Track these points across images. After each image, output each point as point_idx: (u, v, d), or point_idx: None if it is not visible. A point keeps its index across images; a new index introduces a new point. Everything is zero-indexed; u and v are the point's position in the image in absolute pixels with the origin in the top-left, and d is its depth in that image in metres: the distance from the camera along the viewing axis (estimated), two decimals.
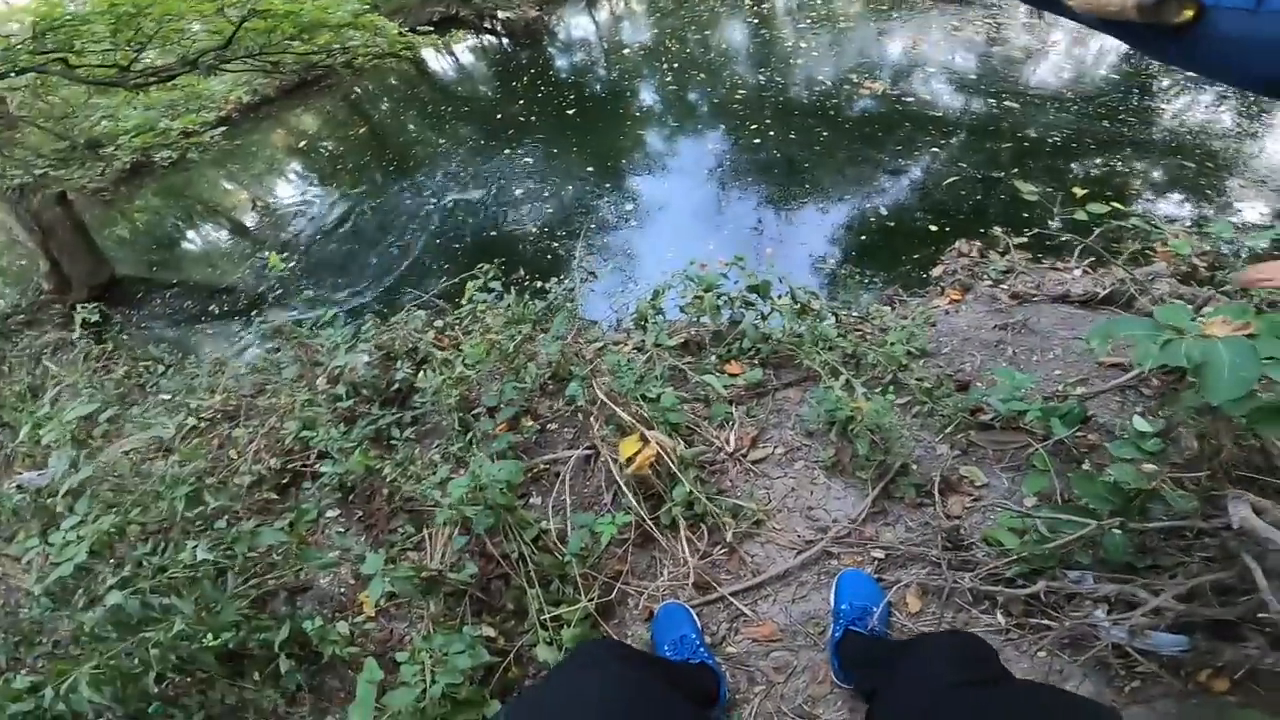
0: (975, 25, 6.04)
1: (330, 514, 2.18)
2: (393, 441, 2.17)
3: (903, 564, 1.67)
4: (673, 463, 1.83)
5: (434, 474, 1.84)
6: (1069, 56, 5.41)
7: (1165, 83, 4.52)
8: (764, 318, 2.47)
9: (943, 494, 1.82)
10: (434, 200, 4.91)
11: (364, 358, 2.29)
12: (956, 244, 2.95)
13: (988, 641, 1.18)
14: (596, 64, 7.02)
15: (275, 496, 2.25)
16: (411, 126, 6.69)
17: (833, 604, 1.59)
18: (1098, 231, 2.44)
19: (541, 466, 2.08)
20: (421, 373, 2.32)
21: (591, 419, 2.01)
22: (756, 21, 7.05)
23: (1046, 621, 1.46)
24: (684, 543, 1.77)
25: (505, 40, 8.47)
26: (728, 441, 2.08)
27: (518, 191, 4.74)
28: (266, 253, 4.59)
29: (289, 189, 6.46)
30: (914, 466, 1.89)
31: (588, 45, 7.67)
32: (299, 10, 4.21)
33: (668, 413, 2.01)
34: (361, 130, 7.24)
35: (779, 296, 2.50)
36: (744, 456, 2.05)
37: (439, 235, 4.44)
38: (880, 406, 1.90)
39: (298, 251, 5.01)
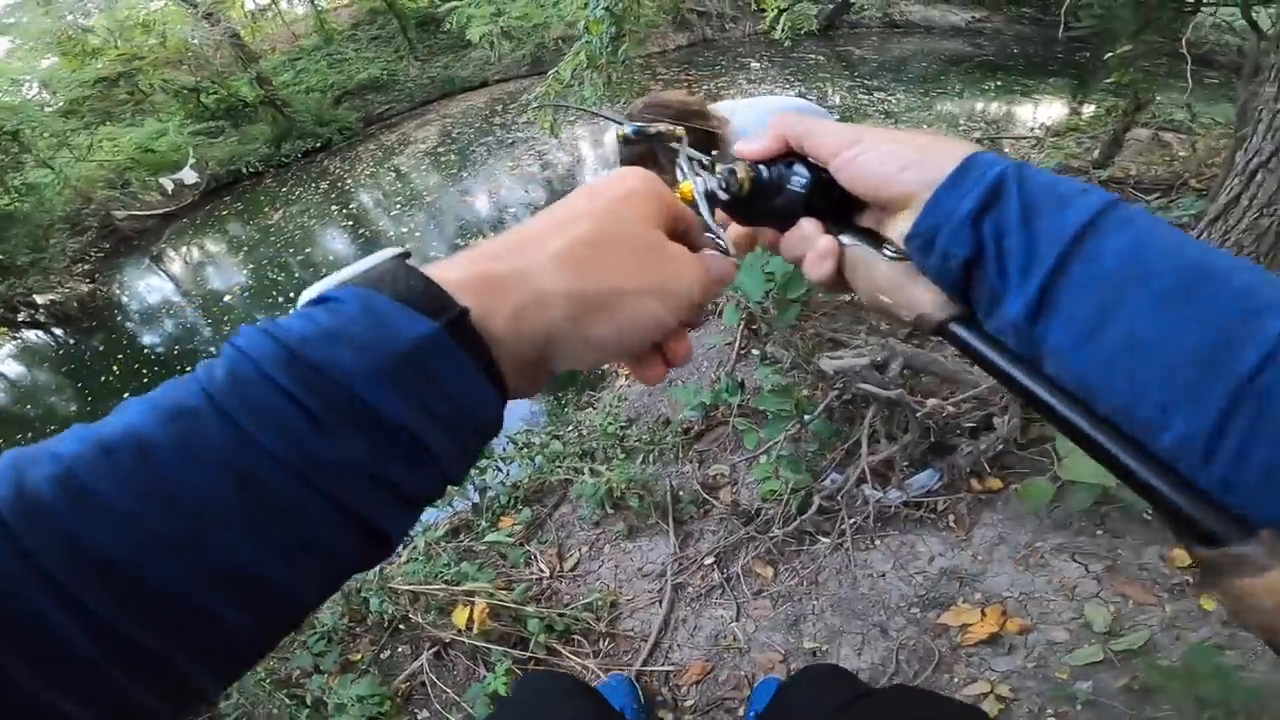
0: (525, 160, 7.22)
1: None
2: None
3: (733, 554, 1.99)
4: (511, 602, 1.89)
5: None
6: (600, 158, 6.88)
7: None
8: (502, 473, 2.65)
9: (712, 494, 2.22)
10: None
11: None
12: None
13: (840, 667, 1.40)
14: (197, 324, 5.93)
15: None
16: None
17: (746, 708, 1.67)
18: None
19: (403, 686, 1.90)
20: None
21: (410, 616, 1.93)
22: (351, 223, 7.02)
23: (853, 520, 1.91)
24: (571, 656, 1.81)
25: (59, 331, 6.51)
26: (542, 570, 2.18)
27: None
28: None
29: None
30: (680, 491, 2.27)
31: (175, 307, 6.43)
32: None
33: (466, 577, 2.05)
34: None
35: (503, 450, 2.72)
36: (562, 573, 2.16)
37: None
38: (624, 469, 2.26)
39: None
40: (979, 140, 4.45)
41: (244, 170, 9.17)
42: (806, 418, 1.94)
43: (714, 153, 0.48)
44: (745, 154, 0.45)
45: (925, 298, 0.38)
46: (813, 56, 8.19)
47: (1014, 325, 0.33)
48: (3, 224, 6.66)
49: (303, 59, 11.47)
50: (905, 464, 1.98)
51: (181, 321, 6.01)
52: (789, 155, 0.45)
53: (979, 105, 6.30)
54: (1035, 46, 8.70)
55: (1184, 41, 2.52)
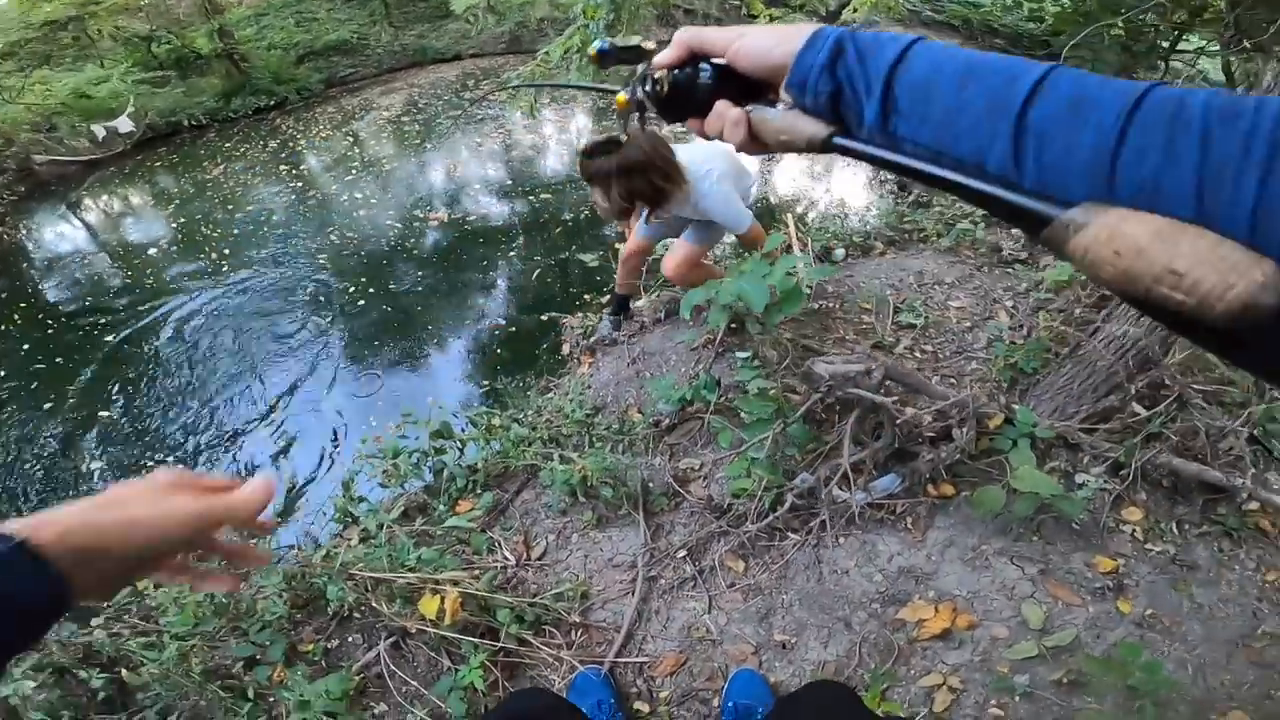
0: (492, 138, 7.02)
1: None
2: None
3: (705, 548, 2.02)
4: (483, 591, 1.84)
5: None
6: (560, 144, 6.78)
7: None
8: (461, 453, 2.56)
9: (684, 487, 2.23)
10: None
11: (28, 684, 1.69)
12: (565, 321, 3.52)
13: (846, 685, 1.48)
14: (110, 277, 5.41)
15: None
16: None
17: (721, 700, 1.70)
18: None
19: (356, 678, 1.82)
20: (125, 671, 1.79)
21: (374, 604, 1.85)
22: (299, 184, 6.62)
23: (819, 518, 1.96)
24: (543, 648, 1.79)
25: None
26: (507, 558, 2.13)
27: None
28: None
29: None
30: (651, 483, 2.27)
31: (88, 258, 5.84)
32: None
33: (434, 564, 1.98)
34: None
35: (462, 431, 2.63)
36: (529, 561, 2.13)
37: None
38: (596, 457, 2.24)
39: None
40: None
41: (185, 122, 8.51)
42: (787, 420, 1.98)
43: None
44: (658, 63, 0.59)
45: (811, 127, 0.52)
46: None
47: (872, 128, 0.49)
48: None
49: (269, 14, 10.78)
50: (870, 468, 2.06)
51: (94, 273, 5.53)
52: (694, 60, 0.58)
53: None
54: None
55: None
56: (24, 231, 6.57)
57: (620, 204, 2.19)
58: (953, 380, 2.57)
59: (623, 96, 0.63)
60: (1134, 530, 1.96)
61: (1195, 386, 2.15)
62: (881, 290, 3.12)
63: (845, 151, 0.52)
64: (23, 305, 5.07)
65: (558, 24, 9.48)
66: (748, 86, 0.57)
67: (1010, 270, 3.24)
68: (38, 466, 3.46)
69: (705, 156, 2.34)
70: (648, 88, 0.60)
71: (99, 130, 7.87)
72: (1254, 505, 1.95)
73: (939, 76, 0.45)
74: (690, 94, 0.59)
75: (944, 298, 3.09)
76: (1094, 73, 0.42)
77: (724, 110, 0.58)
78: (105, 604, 2.10)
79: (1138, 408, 2.11)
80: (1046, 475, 1.89)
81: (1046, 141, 0.40)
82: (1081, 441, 2.09)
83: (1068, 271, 2.83)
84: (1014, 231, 3.46)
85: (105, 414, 3.72)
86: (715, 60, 0.58)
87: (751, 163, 2.73)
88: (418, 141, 7.31)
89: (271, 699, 1.78)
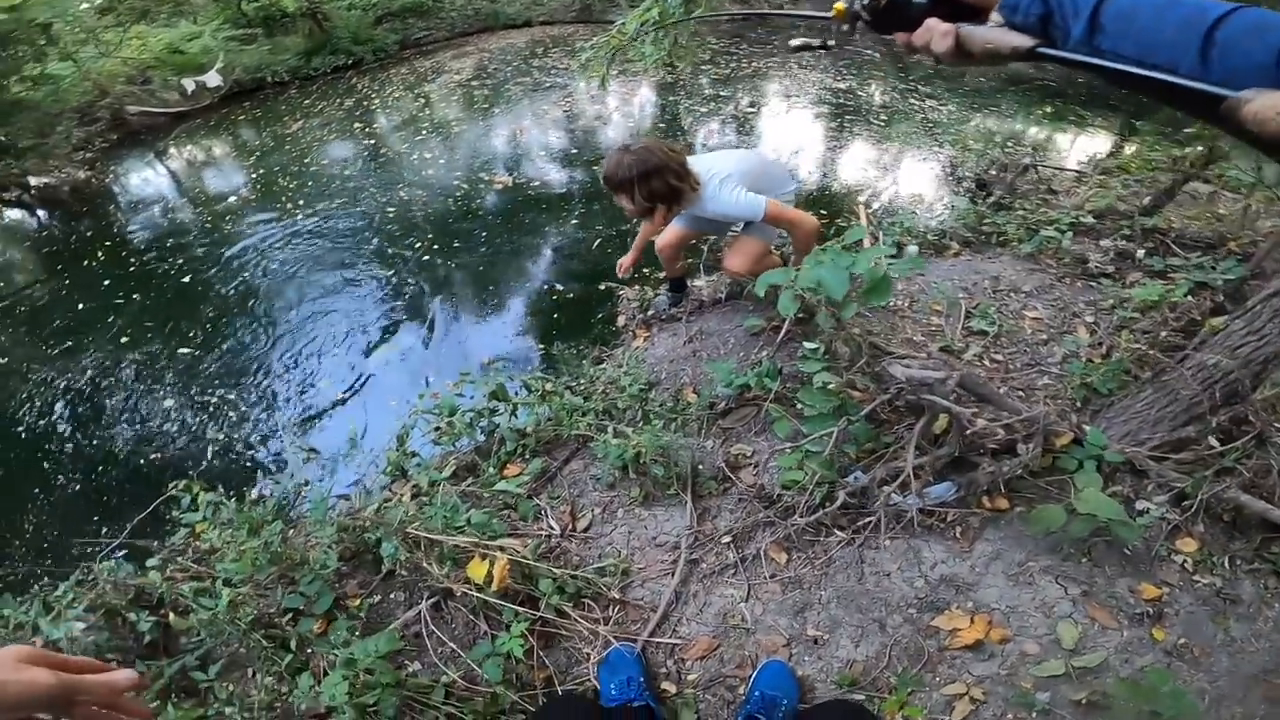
0: (558, 106, 7.08)
1: None
2: (201, 685, 1.76)
3: (750, 536, 2.00)
4: (530, 560, 1.86)
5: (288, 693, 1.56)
6: (625, 115, 6.78)
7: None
8: (513, 416, 2.58)
9: (734, 473, 2.22)
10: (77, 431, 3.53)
11: (78, 625, 1.78)
12: (622, 292, 3.51)
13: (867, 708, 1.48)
14: (190, 221, 5.70)
15: None
16: None
17: (748, 687, 1.70)
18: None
19: (396, 634, 1.88)
20: (172, 615, 1.87)
21: (424, 564, 1.89)
22: (371, 141, 6.84)
23: (867, 518, 1.93)
24: (581, 621, 1.81)
25: (44, 213, 6.30)
26: (553, 528, 2.16)
27: (167, 403, 3.55)
28: None
29: None
30: (701, 466, 2.26)
31: (171, 203, 6.14)
32: None
33: (486, 529, 2.01)
34: None
35: (515, 395, 2.66)
36: (574, 532, 2.16)
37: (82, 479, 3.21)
38: (652, 435, 2.23)
39: None
40: (1009, 164, 4.42)
41: (269, 79, 8.83)
42: (850, 418, 1.94)
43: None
44: None
45: (1017, 39, 0.66)
46: (869, 51, 8.00)
47: (1078, 42, 0.64)
48: (12, 110, 6.36)
49: None
50: (929, 474, 2.01)
51: (175, 217, 5.81)
52: None
53: (1028, 129, 6.24)
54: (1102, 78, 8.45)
55: None
56: (112, 176, 6.92)
57: (644, 205, 2.37)
58: (1021, 393, 2.47)
59: (841, 5, 0.75)
60: (1185, 561, 1.90)
61: (1278, 424, 2.03)
62: (954, 293, 3.01)
63: (1048, 58, 0.65)
64: (107, 244, 5.34)
65: None
66: (955, 10, 0.71)
67: (1095, 284, 3.08)
68: (116, 397, 3.64)
69: (712, 163, 2.44)
70: (865, 1, 0.74)
71: (189, 84, 8.21)
72: None
73: (1141, 5, 0.61)
74: (904, 10, 0.72)
75: (1020, 306, 2.97)
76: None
77: (934, 25, 0.70)
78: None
79: (1213, 441, 2.01)
80: (1110, 499, 1.82)
81: (1229, 50, 0.56)
82: (1149, 469, 2.01)
83: (1158, 291, 2.69)
84: (1102, 244, 3.29)
85: (184, 350, 3.90)
86: None
87: (786, 173, 2.79)
88: (485, 106, 7.38)
89: (309, 650, 1.81)
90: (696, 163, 2.44)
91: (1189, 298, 2.66)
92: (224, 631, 1.80)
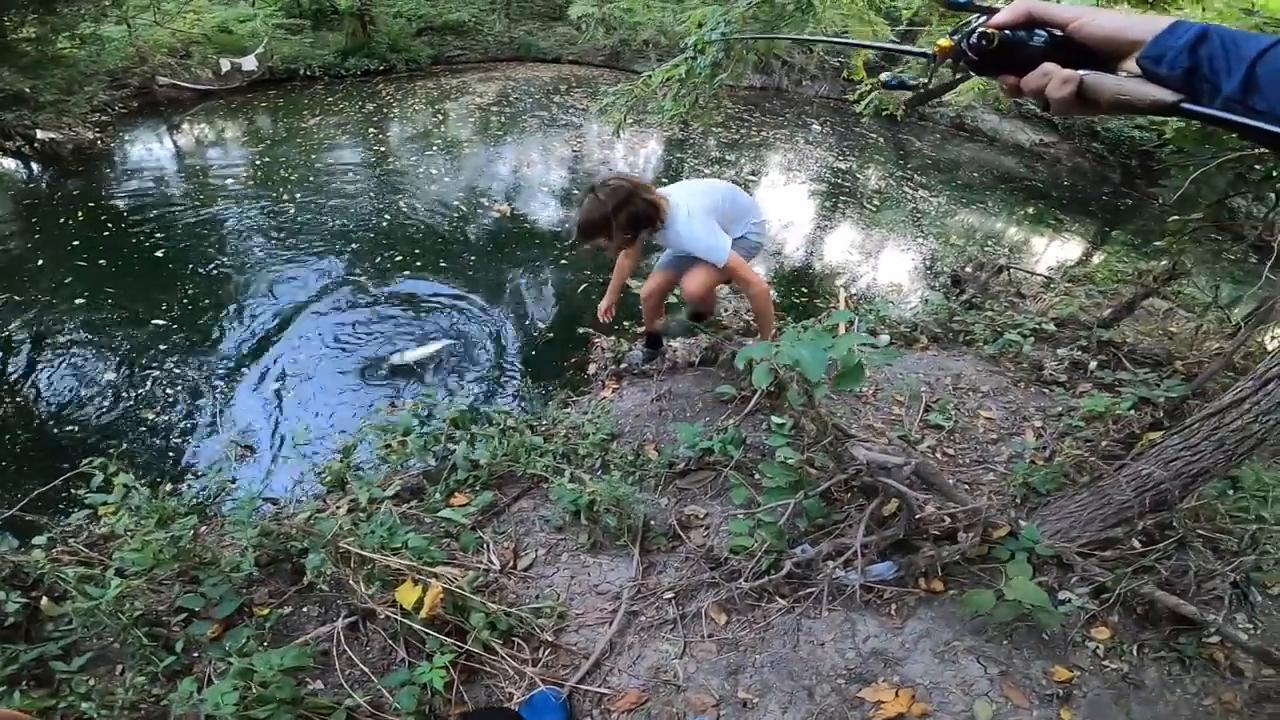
0: (568, 145, 7.27)
1: None
2: (58, 676, 1.67)
3: (693, 594, 2.03)
4: (466, 591, 1.86)
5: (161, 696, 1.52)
6: (630, 165, 6.96)
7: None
8: (471, 446, 2.56)
9: (685, 532, 2.25)
10: None
11: None
12: (598, 340, 3.56)
13: None
14: (179, 197, 5.63)
15: None
16: None
17: None
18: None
19: (306, 650, 1.84)
20: (45, 599, 1.80)
21: (350, 581, 1.87)
22: (382, 149, 6.91)
23: (809, 589, 1.97)
24: (509, 659, 1.80)
25: (38, 166, 6.20)
26: (493, 562, 2.16)
27: (105, 373, 3.49)
28: None
29: None
30: (653, 521, 2.29)
31: (167, 176, 6.14)
32: None
33: (425, 554, 2.00)
34: None
35: (478, 425, 2.68)
36: (514, 569, 2.16)
37: None
38: (609, 485, 2.26)
39: None
40: (985, 263, 4.63)
41: (302, 71, 9.08)
42: (807, 493, 2.01)
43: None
44: (994, 22, 0.67)
45: (1158, 92, 0.61)
46: (873, 136, 8.36)
47: (1230, 99, 0.59)
48: (49, 64, 6.33)
49: None
50: (873, 553, 2.08)
51: (166, 191, 5.78)
52: (1028, 26, 0.67)
53: (1009, 228, 6.52)
54: (1086, 183, 8.91)
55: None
56: (118, 142, 6.91)
57: (624, 236, 2.47)
58: (968, 486, 2.56)
59: (947, 41, 0.71)
60: (1097, 647, 1.99)
61: (1200, 531, 2.17)
62: (917, 386, 3.12)
63: (1193, 114, 0.61)
64: (90, 205, 5.28)
65: (659, 48, 9.82)
66: (1074, 58, 0.66)
67: (1047, 391, 3.22)
68: (48, 359, 3.57)
69: (681, 194, 2.54)
70: (973, 39, 0.68)
71: (225, 64, 8.33)
72: (1215, 639, 1.96)
73: None
74: (1018, 51, 0.67)
75: (976, 405, 3.09)
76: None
77: (1052, 70, 0.65)
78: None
79: (1136, 542, 2.12)
80: (1037, 587, 1.90)
81: None
82: (1075, 563, 2.10)
83: (1104, 403, 2.82)
84: (1059, 352, 3.44)
85: (137, 323, 3.82)
86: (1053, 29, 0.67)
87: (760, 208, 2.87)
88: (500, 133, 7.54)
89: (196, 655, 1.73)
90: (665, 192, 2.54)
91: (1132, 411, 2.79)
92: (101, 624, 1.69)
